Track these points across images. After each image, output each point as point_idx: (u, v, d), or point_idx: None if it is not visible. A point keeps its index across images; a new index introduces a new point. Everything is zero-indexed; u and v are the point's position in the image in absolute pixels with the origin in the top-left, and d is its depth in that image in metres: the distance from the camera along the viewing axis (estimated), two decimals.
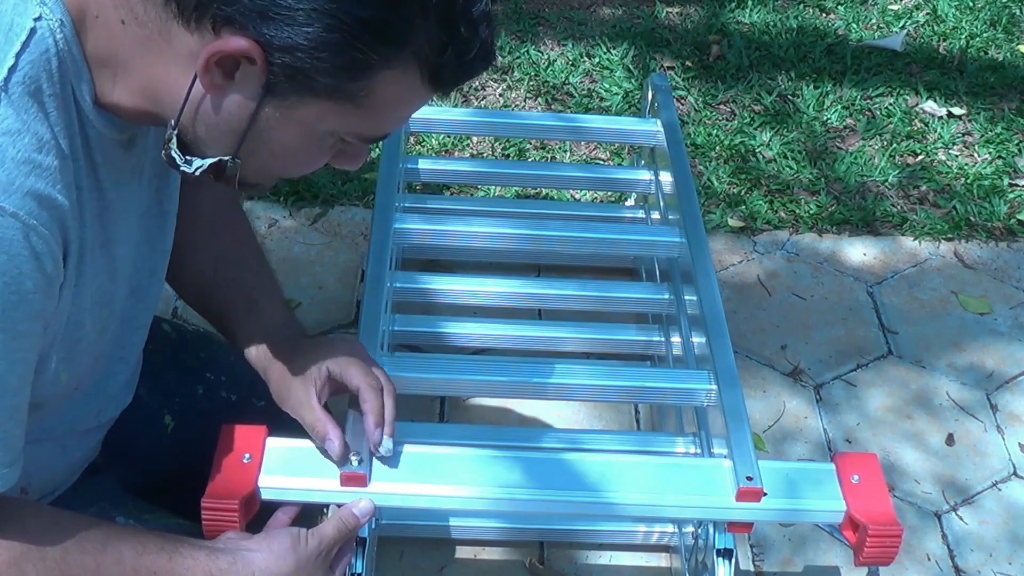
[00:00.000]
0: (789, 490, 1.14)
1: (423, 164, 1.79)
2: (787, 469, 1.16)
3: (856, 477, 1.14)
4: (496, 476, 1.13)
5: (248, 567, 0.98)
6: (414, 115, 1.83)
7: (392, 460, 1.12)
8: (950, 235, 2.14)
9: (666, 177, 1.69)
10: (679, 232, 1.54)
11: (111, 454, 1.20)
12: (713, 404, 1.29)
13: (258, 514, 1.09)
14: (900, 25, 2.76)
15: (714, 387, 1.28)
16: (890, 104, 2.48)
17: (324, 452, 1.09)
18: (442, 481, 1.12)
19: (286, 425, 1.12)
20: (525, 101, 2.43)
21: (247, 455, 1.09)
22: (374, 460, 1.11)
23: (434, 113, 1.85)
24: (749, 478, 1.12)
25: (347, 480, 1.08)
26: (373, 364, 1.12)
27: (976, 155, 2.36)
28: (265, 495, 1.09)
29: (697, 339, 1.40)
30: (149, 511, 1.17)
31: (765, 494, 1.11)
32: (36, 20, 0.79)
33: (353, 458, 1.08)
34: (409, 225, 1.54)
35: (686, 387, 1.32)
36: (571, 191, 2.15)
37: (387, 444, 1.09)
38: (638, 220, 1.89)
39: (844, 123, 2.42)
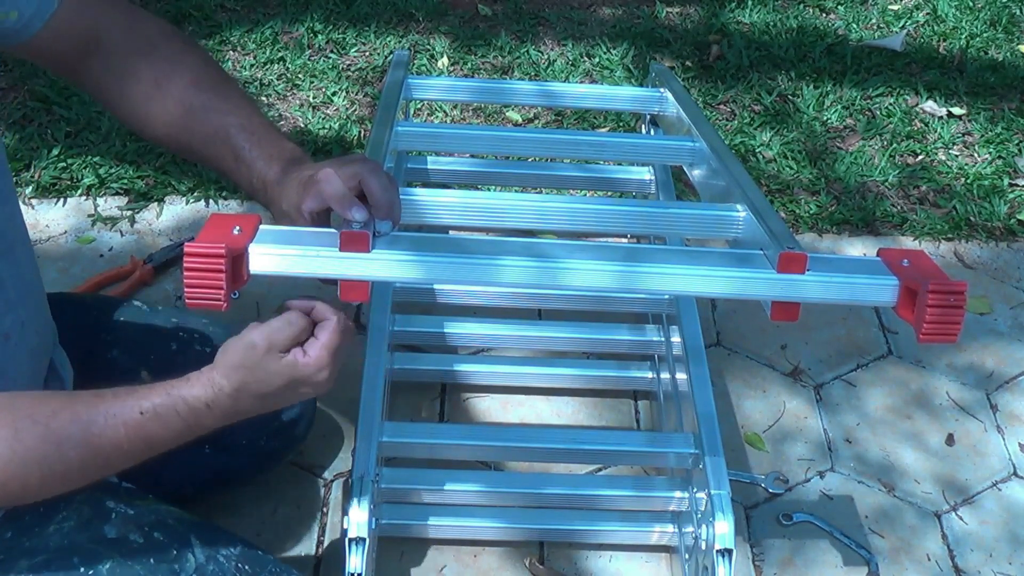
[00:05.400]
0: (834, 268, 1.04)
1: (424, 164, 1.79)
2: (830, 258, 1.07)
3: (906, 261, 1.06)
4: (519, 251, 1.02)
5: (211, 380, 1.01)
6: (415, 129, 1.79)
7: (396, 239, 1.01)
8: (950, 235, 2.14)
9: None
10: None
11: None
12: (696, 469, 1.38)
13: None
14: (900, 25, 2.76)
15: (695, 453, 1.38)
16: (890, 104, 2.48)
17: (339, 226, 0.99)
18: (449, 253, 1.00)
19: None
20: None
21: (237, 227, 0.97)
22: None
23: (439, 129, 1.84)
24: (790, 247, 1.03)
25: (348, 242, 0.96)
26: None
27: (976, 155, 2.36)
28: (255, 265, 0.97)
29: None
30: (141, 497, 1.18)
31: (809, 269, 1.01)
32: None
33: (355, 222, 0.97)
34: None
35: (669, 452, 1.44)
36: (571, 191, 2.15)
37: (387, 225, 1.00)
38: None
39: (844, 123, 2.42)
